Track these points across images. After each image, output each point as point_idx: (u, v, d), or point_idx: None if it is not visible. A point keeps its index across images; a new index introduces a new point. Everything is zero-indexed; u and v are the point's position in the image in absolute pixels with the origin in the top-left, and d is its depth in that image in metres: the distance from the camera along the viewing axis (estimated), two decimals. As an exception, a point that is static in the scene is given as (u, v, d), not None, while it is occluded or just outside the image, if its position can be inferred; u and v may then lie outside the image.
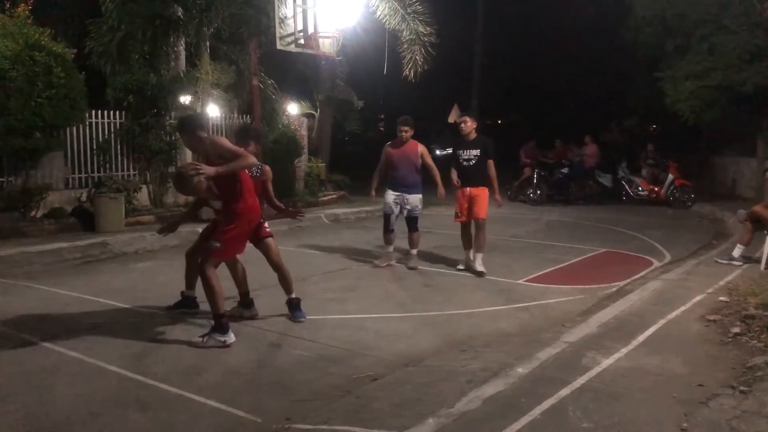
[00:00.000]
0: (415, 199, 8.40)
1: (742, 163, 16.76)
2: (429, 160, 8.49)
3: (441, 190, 8.45)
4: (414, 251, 8.53)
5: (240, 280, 6.04)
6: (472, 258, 8.19)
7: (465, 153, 8.25)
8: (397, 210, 8.45)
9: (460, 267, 8.31)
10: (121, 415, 3.94)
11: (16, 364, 4.79)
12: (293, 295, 6.08)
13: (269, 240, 6.04)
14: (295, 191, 14.16)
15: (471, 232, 8.26)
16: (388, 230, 8.53)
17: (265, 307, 6.39)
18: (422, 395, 4.03)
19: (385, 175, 8.68)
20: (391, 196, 8.46)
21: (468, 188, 8.19)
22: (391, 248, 8.61)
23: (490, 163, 8.20)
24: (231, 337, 5.19)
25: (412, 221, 8.47)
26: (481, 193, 8.15)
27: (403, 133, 8.39)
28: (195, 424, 3.85)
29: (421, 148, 8.42)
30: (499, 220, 12.77)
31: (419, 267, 8.38)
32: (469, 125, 8.26)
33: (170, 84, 12.08)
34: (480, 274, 7.93)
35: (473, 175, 8.17)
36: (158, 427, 3.80)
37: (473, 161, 8.19)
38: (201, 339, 5.18)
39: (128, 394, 4.24)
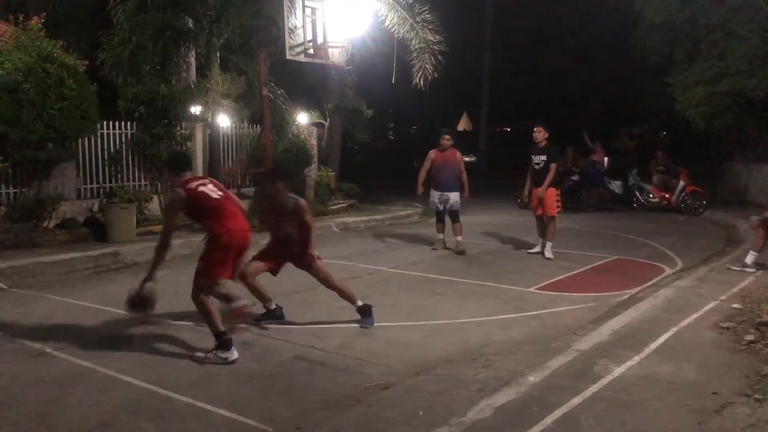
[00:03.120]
0: (455, 195, 10.06)
1: (754, 169, 16.64)
2: (463, 167, 10.13)
3: (467, 194, 10.13)
4: (459, 238, 10.09)
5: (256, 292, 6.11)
6: (542, 245, 9.78)
7: (535, 158, 9.78)
8: (441, 206, 10.16)
9: (531, 251, 9.94)
10: (133, 424, 3.96)
11: (29, 373, 4.82)
12: (359, 303, 6.13)
13: (313, 264, 6.04)
14: (305, 200, 14.17)
15: (544, 224, 9.77)
16: (438, 221, 10.39)
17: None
18: (433, 404, 4.01)
19: (427, 175, 10.26)
20: (435, 195, 10.19)
21: (537, 188, 9.63)
22: (441, 236, 10.39)
23: (552, 166, 9.56)
24: (234, 354, 5.06)
25: (453, 214, 10.15)
26: (549, 194, 9.53)
27: (446, 141, 10.04)
28: (206, 433, 3.86)
29: (459, 156, 10.12)
30: (510, 227, 12.75)
31: (467, 251, 9.95)
32: (541, 135, 9.72)
33: (181, 95, 12.15)
34: (548, 258, 9.50)
35: (540, 177, 9.60)
36: (170, 437, 3.82)
37: (540, 165, 9.66)
38: (203, 355, 5.09)
39: (140, 404, 4.25)
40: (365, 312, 6.10)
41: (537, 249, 9.90)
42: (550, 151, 9.69)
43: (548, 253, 9.62)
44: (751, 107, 15.08)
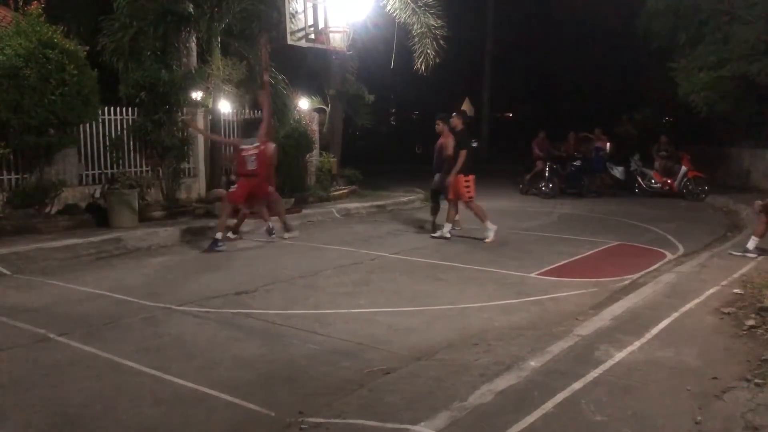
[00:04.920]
0: (437, 177, 10.36)
1: (757, 154, 16.60)
2: (446, 151, 10.01)
3: (449, 178, 9.79)
4: (442, 222, 10.19)
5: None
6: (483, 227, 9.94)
7: None
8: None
9: (486, 239, 9.78)
10: (136, 409, 3.98)
11: (33, 359, 4.85)
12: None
13: None
14: (307, 186, 14.18)
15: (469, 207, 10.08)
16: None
17: (277, 301, 6.45)
18: (435, 389, 4.03)
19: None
20: None
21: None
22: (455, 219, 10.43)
23: (460, 153, 9.72)
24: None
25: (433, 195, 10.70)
26: (456, 180, 9.74)
27: (435, 126, 10.27)
28: (209, 418, 3.88)
29: (445, 141, 10.10)
30: (512, 213, 12.75)
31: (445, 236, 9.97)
32: (453, 121, 9.97)
33: (182, 80, 12.10)
34: (432, 237, 10.01)
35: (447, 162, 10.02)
36: (173, 422, 3.84)
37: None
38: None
39: (143, 389, 4.27)
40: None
41: (489, 235, 9.74)
42: (457, 138, 9.91)
43: (439, 232, 9.95)
44: (755, 92, 15.00)
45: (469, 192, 9.78)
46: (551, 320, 5.72)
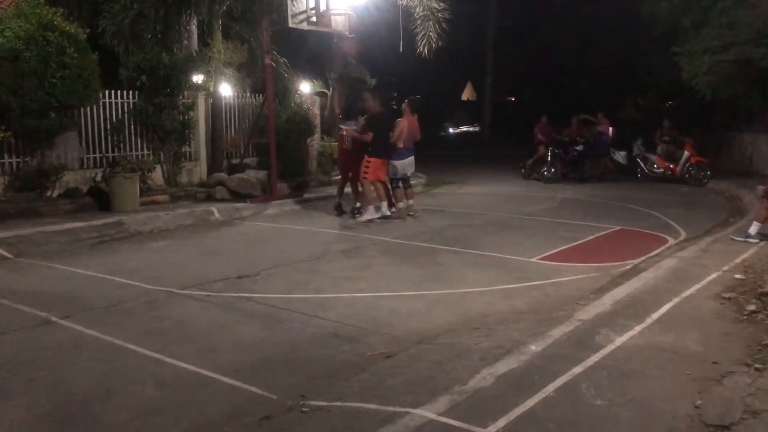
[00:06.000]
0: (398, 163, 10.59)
1: (760, 139, 16.51)
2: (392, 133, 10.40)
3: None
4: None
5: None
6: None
7: None
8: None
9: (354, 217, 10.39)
10: (138, 392, 4.00)
11: (36, 342, 4.87)
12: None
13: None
14: (308, 170, 14.16)
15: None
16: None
17: (278, 285, 6.46)
18: (435, 372, 4.05)
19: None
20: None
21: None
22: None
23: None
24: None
25: None
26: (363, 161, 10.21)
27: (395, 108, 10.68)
28: (211, 401, 3.90)
29: (408, 122, 10.53)
30: (513, 198, 12.74)
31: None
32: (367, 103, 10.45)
33: (183, 63, 12.05)
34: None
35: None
36: (174, 405, 3.86)
37: None
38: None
39: (145, 372, 4.29)
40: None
41: (364, 216, 10.14)
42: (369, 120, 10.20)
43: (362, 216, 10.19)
44: (759, 77, 14.90)
45: (366, 172, 10.06)
46: (552, 305, 5.73)
